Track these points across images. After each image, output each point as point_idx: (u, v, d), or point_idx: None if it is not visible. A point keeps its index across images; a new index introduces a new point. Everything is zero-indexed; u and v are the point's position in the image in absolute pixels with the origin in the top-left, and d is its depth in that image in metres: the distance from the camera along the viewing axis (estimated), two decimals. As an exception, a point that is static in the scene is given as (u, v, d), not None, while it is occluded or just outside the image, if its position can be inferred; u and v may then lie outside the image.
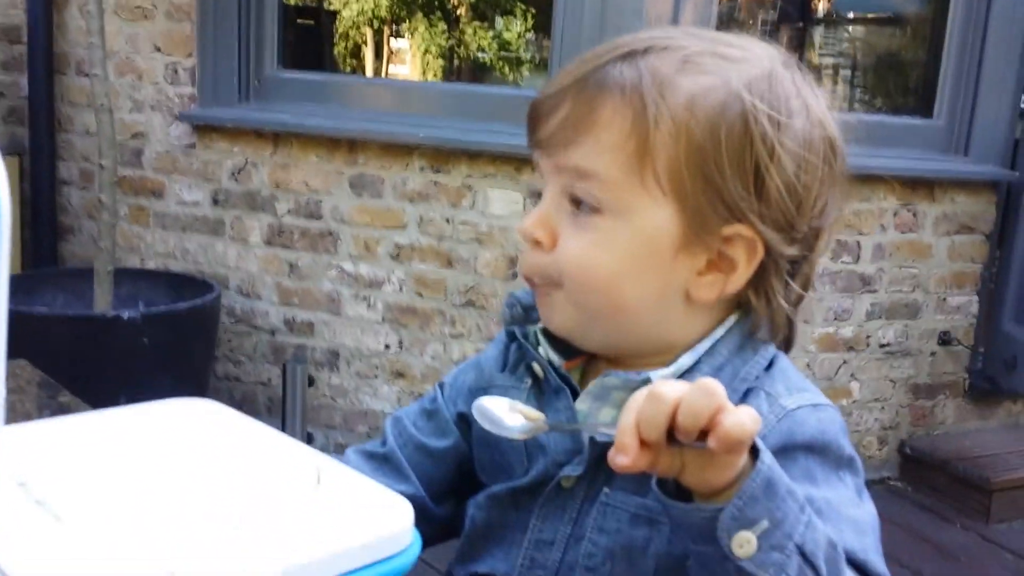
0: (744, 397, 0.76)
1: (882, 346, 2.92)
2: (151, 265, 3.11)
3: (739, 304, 0.80)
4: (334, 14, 4.51)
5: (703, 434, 0.58)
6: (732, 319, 0.80)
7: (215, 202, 3.02)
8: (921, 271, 2.91)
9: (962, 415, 3.07)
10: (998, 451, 2.93)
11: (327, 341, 2.96)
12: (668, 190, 0.74)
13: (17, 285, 2.79)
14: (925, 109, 3.06)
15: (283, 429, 2.63)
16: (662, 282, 0.77)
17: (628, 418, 0.61)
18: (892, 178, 2.73)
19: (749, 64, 0.76)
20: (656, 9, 2.62)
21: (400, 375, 2.90)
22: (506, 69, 5.02)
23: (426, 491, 0.91)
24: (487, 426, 0.75)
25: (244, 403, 3.07)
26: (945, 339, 2.96)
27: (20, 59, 3.23)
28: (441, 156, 2.78)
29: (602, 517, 0.78)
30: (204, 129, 2.99)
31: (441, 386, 0.97)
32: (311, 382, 2.75)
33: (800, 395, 0.76)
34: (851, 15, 3.46)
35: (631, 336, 0.79)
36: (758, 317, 0.79)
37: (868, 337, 2.90)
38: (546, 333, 0.84)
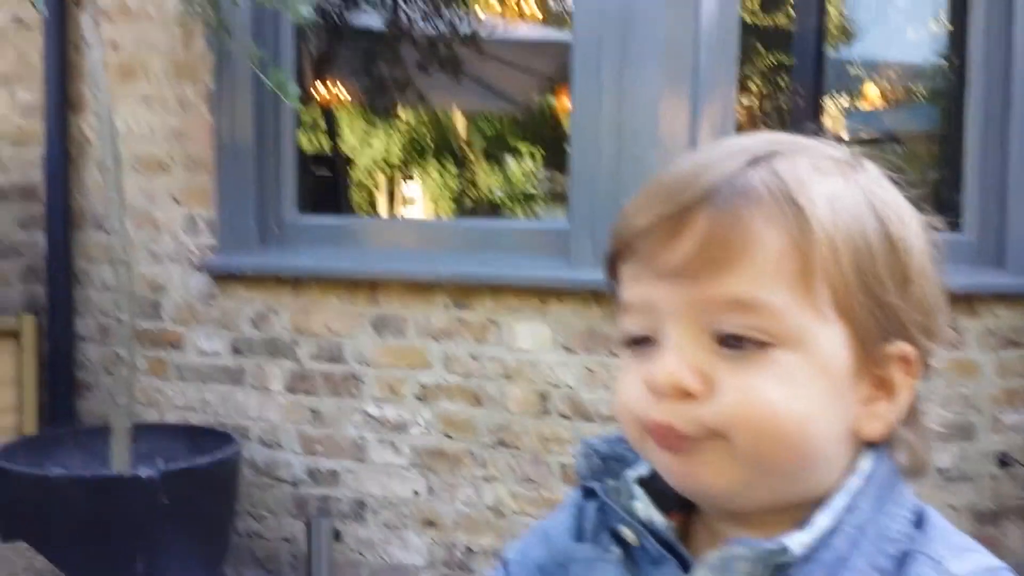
0: (900, 564, 0.63)
1: (940, 471, 2.77)
2: (170, 419, 3.01)
3: (868, 443, 0.67)
4: (349, 160, 4.61)
5: None
6: (868, 462, 0.67)
7: (235, 351, 2.95)
8: (971, 390, 2.80)
9: (1031, 541, 2.88)
10: (1076, 579, 2.72)
11: (352, 490, 2.82)
12: (837, 309, 0.63)
13: (33, 446, 2.71)
14: (950, 225, 3.01)
15: (309, 588, 2.47)
16: (842, 419, 0.65)
17: None
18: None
19: (854, 168, 0.67)
20: (672, 135, 2.62)
21: (430, 523, 2.74)
22: (517, 207, 5.09)
23: None
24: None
25: (268, 561, 2.90)
26: (1004, 460, 2.81)
27: (38, 217, 3.24)
28: (464, 292, 2.72)
29: None
30: (224, 278, 2.96)
31: (505, 565, 0.81)
32: (337, 536, 2.59)
33: (969, 557, 0.63)
34: (864, 136, 3.49)
35: (799, 490, 0.65)
36: (907, 454, 0.67)
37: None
38: (644, 485, 0.70)
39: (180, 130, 3.02)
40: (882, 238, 0.63)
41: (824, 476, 0.65)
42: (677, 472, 0.66)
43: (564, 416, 2.66)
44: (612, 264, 0.69)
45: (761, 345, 0.61)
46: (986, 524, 2.82)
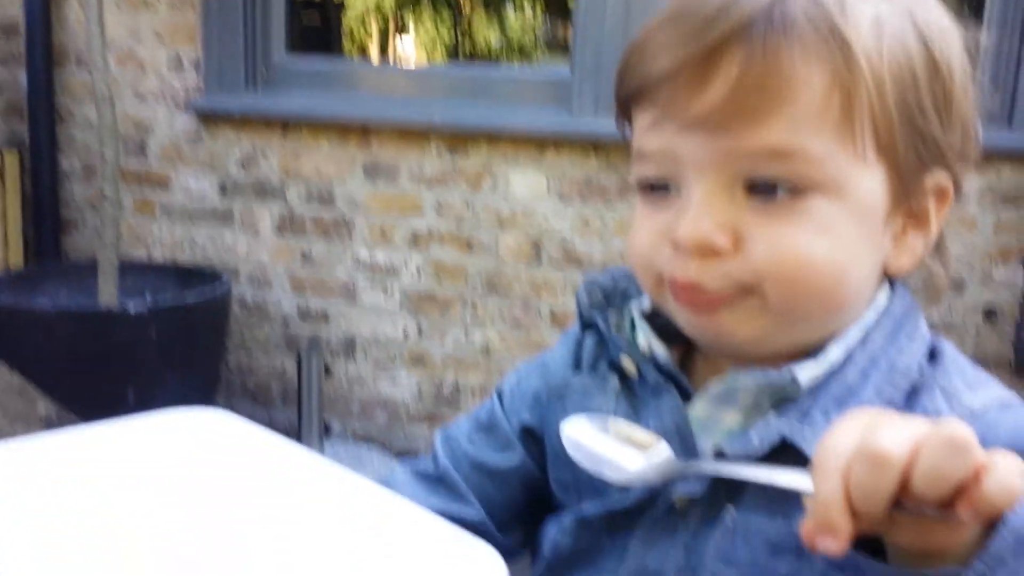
0: (911, 397, 0.61)
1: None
2: (158, 257, 2.99)
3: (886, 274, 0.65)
4: (340, 6, 4.41)
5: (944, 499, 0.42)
6: (883, 295, 0.64)
7: (223, 192, 2.91)
8: (966, 245, 2.78)
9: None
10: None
11: (343, 330, 2.83)
12: (881, 149, 0.58)
13: (19, 281, 2.70)
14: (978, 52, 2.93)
15: (299, 419, 2.51)
16: (875, 258, 0.62)
17: (832, 485, 0.44)
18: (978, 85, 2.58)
19: None
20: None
21: (419, 362, 2.77)
22: (517, 54, 4.90)
23: (489, 517, 0.76)
24: (590, 468, 0.60)
25: (258, 394, 2.95)
26: (990, 314, 2.83)
27: (18, 53, 3.12)
28: (459, 139, 2.66)
29: (729, 545, 0.61)
30: (210, 119, 2.88)
31: (500, 395, 0.81)
32: (327, 371, 2.62)
33: (985, 391, 0.61)
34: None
35: (825, 332, 0.62)
36: (928, 278, 0.66)
37: (910, 316, 2.77)
38: (646, 318, 0.68)
39: (162, -40, 2.88)
40: (926, 63, 0.59)
41: (851, 316, 0.63)
42: (700, 326, 0.63)
43: (556, 265, 2.65)
44: (624, 106, 0.63)
45: (796, 192, 0.57)
46: (968, 379, 2.87)
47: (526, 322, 2.69)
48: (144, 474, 0.50)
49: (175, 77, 2.92)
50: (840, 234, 0.58)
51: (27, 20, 3.03)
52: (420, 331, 2.77)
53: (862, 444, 0.43)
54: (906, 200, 0.61)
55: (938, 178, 0.61)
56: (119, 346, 2.38)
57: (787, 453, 0.59)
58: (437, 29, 4.70)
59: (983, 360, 2.87)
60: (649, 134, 0.61)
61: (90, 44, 2.49)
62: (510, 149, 2.63)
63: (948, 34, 0.61)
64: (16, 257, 3.05)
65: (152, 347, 2.40)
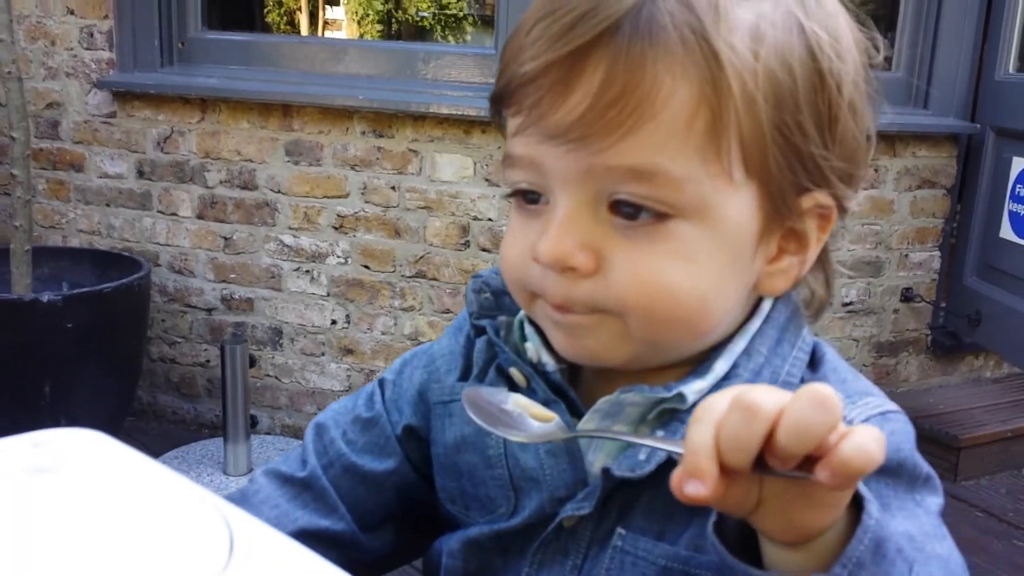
0: None
1: (844, 305, 2.85)
2: (74, 243, 2.89)
3: None
4: (263, -25, 4.30)
5: (805, 461, 0.43)
6: (767, 305, 0.64)
7: (140, 174, 2.81)
8: (883, 228, 2.85)
9: (925, 372, 3.03)
10: (963, 407, 2.89)
11: (268, 318, 2.78)
12: (750, 169, 0.55)
13: (-76, 268, 2.59)
14: (883, 62, 2.98)
15: (224, 412, 2.47)
16: (744, 283, 0.60)
17: (704, 433, 0.44)
18: (880, 92, 2.62)
19: None
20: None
21: (349, 351, 2.75)
22: (446, 31, 4.84)
23: (358, 522, 0.74)
24: (487, 426, 0.58)
25: (182, 385, 2.89)
26: (908, 296, 2.91)
27: (-81, 24, 2.96)
28: (384, 120, 2.61)
29: (618, 568, 0.62)
30: (125, 96, 2.78)
31: (382, 384, 0.78)
32: (252, 362, 2.58)
33: (864, 401, 0.61)
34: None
35: (694, 351, 0.62)
36: (808, 297, 0.65)
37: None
38: (534, 325, 0.66)
39: (69, -71, 2.75)
40: (810, 77, 0.55)
41: (721, 334, 0.62)
42: (567, 345, 0.62)
43: (485, 249, 2.63)
44: (496, 106, 0.60)
45: (659, 216, 0.55)
46: (884, 355, 2.95)
47: (456, 308, 2.67)
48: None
49: (87, 52, 2.81)
50: (704, 261, 0.56)
51: (-74, -9, 2.87)
52: (348, 319, 2.73)
53: (735, 397, 0.44)
54: (782, 220, 0.58)
55: (818, 198, 0.58)
56: (34, 337, 2.30)
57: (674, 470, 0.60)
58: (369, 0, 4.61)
59: (901, 341, 2.96)
60: (517, 139, 0.58)
61: (-5, 18, 2.37)
62: (436, 130, 2.59)
63: (841, 42, 0.57)
64: (-79, 243, 2.93)
65: (69, 338, 2.32)
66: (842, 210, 0.60)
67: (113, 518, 0.49)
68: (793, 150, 0.56)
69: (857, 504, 0.47)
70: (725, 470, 0.44)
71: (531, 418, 0.60)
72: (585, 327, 0.59)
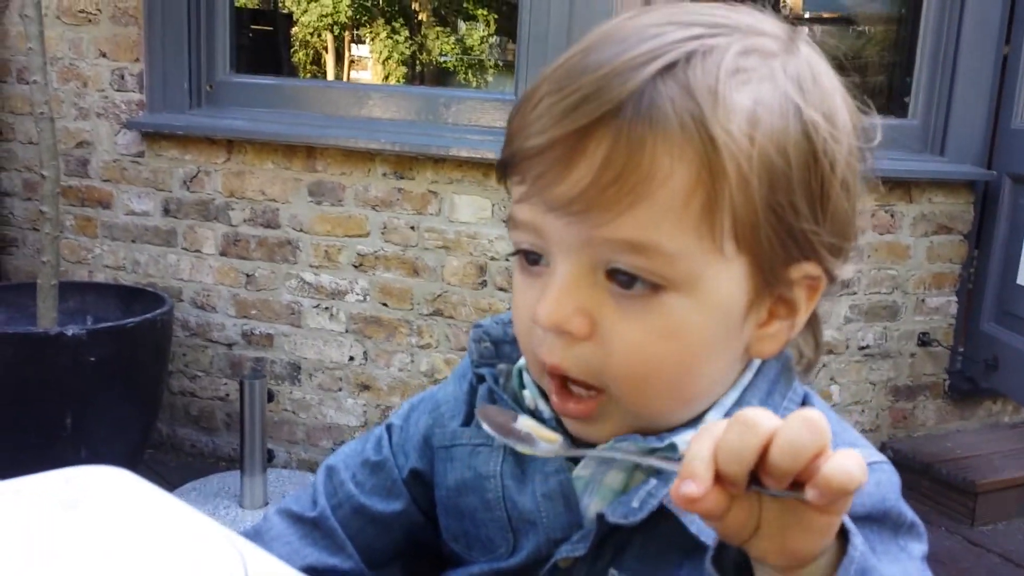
0: None
1: (861, 348, 2.85)
2: (100, 278, 2.95)
3: None
4: (290, 18, 4.38)
5: (795, 484, 0.46)
6: (757, 360, 0.66)
7: (166, 211, 2.88)
8: (900, 273, 2.85)
9: (943, 416, 3.01)
10: (980, 452, 2.87)
11: (287, 354, 2.82)
12: (741, 245, 0.58)
13: (-45, 302, 2.65)
14: (899, 109, 3.01)
15: (242, 446, 2.50)
16: (734, 349, 0.62)
17: (703, 445, 0.47)
18: (873, 173, 2.65)
19: (787, 55, 0.60)
20: (626, 4, 2.54)
21: (365, 388, 2.78)
22: (469, 74, 4.94)
23: (365, 561, 0.77)
24: (500, 438, 0.62)
25: (201, 419, 2.93)
26: (925, 340, 2.90)
27: (-42, 66, 3.06)
28: (404, 162, 2.67)
29: None
30: (153, 136, 2.85)
31: (389, 429, 0.80)
32: (271, 397, 2.61)
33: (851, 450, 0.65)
34: (823, 14, 3.41)
35: (686, 415, 0.64)
36: (798, 357, 0.67)
37: (847, 340, 2.83)
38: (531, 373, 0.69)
39: (105, -24, 2.84)
40: (804, 154, 0.58)
41: (710, 400, 0.64)
42: (569, 422, 0.65)
43: (501, 288, 2.66)
44: (502, 169, 0.63)
45: (653, 287, 0.58)
46: (901, 399, 2.94)
47: (471, 346, 2.70)
48: (32, 544, 0.51)
49: (118, 93, 2.89)
50: (693, 332, 0.59)
51: (-34, 33, 2.97)
52: (366, 355, 2.77)
53: (735, 415, 0.48)
54: (772, 288, 0.61)
55: (807, 269, 0.61)
56: (57, 370, 2.34)
57: (666, 518, 0.62)
58: (394, 42, 4.70)
59: (918, 386, 2.95)
60: (521, 205, 0.61)
61: (30, 59, 2.45)
62: (456, 172, 2.64)
63: (836, 122, 0.60)
64: (-48, 277, 3.00)
65: (91, 371, 2.37)
66: (831, 279, 0.62)
67: (135, 551, 0.52)
68: (785, 227, 0.58)
69: (845, 539, 0.50)
70: (721, 481, 0.47)
71: (539, 438, 0.63)
72: (586, 417, 0.63)
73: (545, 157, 0.57)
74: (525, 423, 0.64)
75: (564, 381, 0.62)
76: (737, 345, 0.62)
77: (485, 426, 0.63)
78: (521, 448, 0.62)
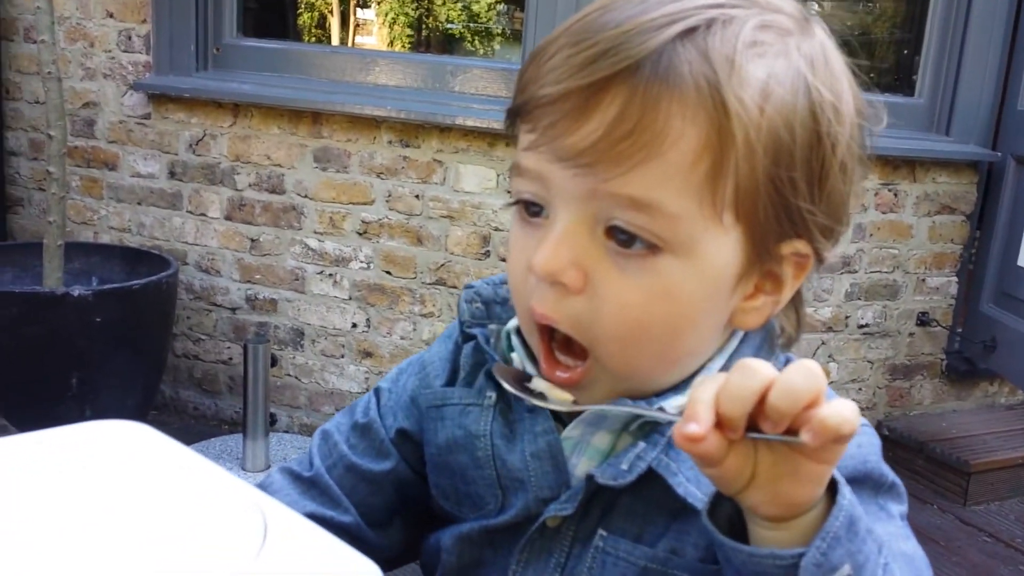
0: None
1: (860, 327, 2.87)
2: (105, 239, 2.97)
3: None
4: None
5: (789, 432, 0.48)
6: (741, 331, 0.68)
7: (172, 174, 2.89)
8: (901, 252, 2.86)
9: (939, 396, 3.04)
10: (975, 433, 2.90)
11: (291, 319, 2.84)
12: (740, 215, 0.59)
13: (-39, 260, 2.67)
14: (907, 87, 3.00)
15: (245, 409, 2.53)
16: (719, 317, 0.64)
17: (706, 389, 0.49)
18: (874, 157, 2.65)
19: (802, 34, 0.61)
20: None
21: (368, 354, 2.80)
22: (476, 41, 4.89)
23: (364, 518, 0.79)
24: (515, 391, 0.64)
25: (204, 381, 2.95)
26: (924, 320, 2.92)
27: (-36, 23, 3.05)
28: (410, 130, 2.67)
29: (599, 567, 0.66)
30: (160, 98, 2.85)
31: (377, 392, 0.82)
32: (274, 361, 2.64)
33: None
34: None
35: (670, 379, 0.66)
36: (778, 332, 0.69)
37: (847, 318, 2.85)
38: (520, 334, 0.70)
39: (113, -65, 2.82)
40: (809, 132, 0.59)
41: (694, 364, 0.66)
42: (548, 373, 0.66)
43: (504, 259, 2.68)
44: (512, 117, 0.64)
45: (651, 248, 0.58)
46: (899, 378, 2.97)
47: (473, 315, 2.71)
48: (52, 498, 0.53)
49: (124, 54, 2.88)
50: (684, 296, 0.60)
51: (-27, -9, 2.96)
52: (368, 323, 2.79)
53: (736, 363, 0.50)
54: (761, 263, 0.62)
55: (797, 246, 0.62)
56: (63, 330, 2.37)
57: (654, 481, 0.64)
58: (400, 5, 4.67)
59: (916, 365, 2.97)
60: (527, 153, 0.62)
61: (37, 19, 2.44)
62: (461, 142, 2.64)
63: (842, 104, 0.61)
64: (-42, 235, 3.01)
65: (97, 332, 2.39)
66: (819, 259, 0.64)
67: (156, 505, 0.54)
68: (783, 202, 0.59)
69: (833, 492, 0.53)
70: (723, 425, 0.49)
71: (551, 396, 0.65)
72: (572, 384, 0.64)
73: (558, 107, 0.58)
74: (539, 382, 0.65)
75: (551, 345, 0.64)
76: (723, 314, 0.64)
77: (502, 382, 0.65)
78: (536, 402, 0.64)
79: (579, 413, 0.67)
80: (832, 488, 0.53)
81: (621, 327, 0.60)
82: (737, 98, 0.56)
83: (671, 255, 0.58)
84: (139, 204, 2.93)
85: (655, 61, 0.55)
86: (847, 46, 0.65)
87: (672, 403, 0.64)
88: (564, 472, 0.68)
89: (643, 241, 0.58)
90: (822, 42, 0.62)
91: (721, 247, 0.59)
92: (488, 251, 2.68)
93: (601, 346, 0.62)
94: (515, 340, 0.71)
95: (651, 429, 0.66)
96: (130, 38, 2.87)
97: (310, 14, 4.59)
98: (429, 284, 2.72)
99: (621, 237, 0.59)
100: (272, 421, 2.66)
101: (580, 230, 0.60)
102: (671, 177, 0.56)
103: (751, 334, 0.68)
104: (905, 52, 3.21)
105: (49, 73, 2.44)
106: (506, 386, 0.65)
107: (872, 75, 3.39)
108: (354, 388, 2.83)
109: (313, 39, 4.69)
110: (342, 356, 2.82)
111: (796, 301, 0.69)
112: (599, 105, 0.56)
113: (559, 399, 0.64)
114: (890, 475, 0.66)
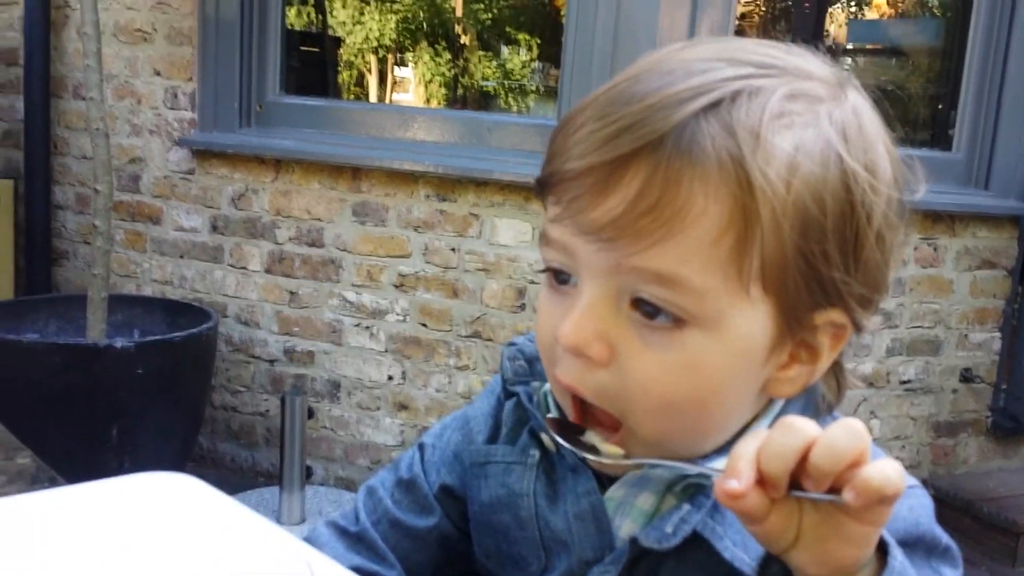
0: None
1: (903, 383, 2.83)
2: (147, 292, 3.02)
3: None
4: (338, 41, 4.48)
5: (833, 491, 0.48)
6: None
7: (214, 228, 2.94)
8: (942, 307, 2.83)
9: (984, 454, 2.97)
10: (1023, 492, 2.82)
11: (328, 372, 2.86)
12: (768, 288, 0.58)
13: (8, 311, 2.72)
14: (944, 142, 2.99)
15: (281, 461, 2.53)
16: (749, 390, 0.63)
17: (747, 445, 0.49)
18: (913, 212, 2.63)
19: (834, 101, 0.59)
20: (671, 33, 2.56)
21: (403, 407, 2.80)
22: (510, 99, 5.00)
23: (408, 573, 0.79)
24: (567, 445, 0.64)
25: (241, 434, 2.97)
26: (967, 376, 2.87)
27: (16, 81, 3.16)
28: (447, 184, 2.70)
29: None
30: (203, 154, 2.92)
31: (421, 447, 0.82)
32: (311, 414, 2.65)
33: None
34: (867, 46, 3.40)
35: (704, 447, 0.65)
36: (823, 396, 0.68)
37: (888, 374, 2.81)
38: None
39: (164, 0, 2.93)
40: (841, 203, 0.57)
41: (728, 434, 0.65)
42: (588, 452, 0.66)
43: (540, 311, 2.67)
44: (540, 186, 0.64)
45: (676, 321, 0.58)
46: (943, 435, 2.91)
47: (509, 368, 2.71)
48: (105, 548, 0.54)
49: (170, 111, 2.96)
50: (711, 370, 0.59)
51: (26, 49, 3.07)
52: (404, 375, 2.79)
53: (779, 421, 0.50)
54: (795, 332, 0.61)
55: (832, 316, 0.61)
56: (104, 381, 2.39)
57: (699, 544, 0.63)
58: (436, 64, 4.78)
59: (960, 422, 2.91)
60: (554, 224, 0.62)
61: (87, 76, 2.52)
62: (497, 196, 2.67)
63: (877, 173, 0.59)
64: (6, 288, 3.08)
65: (138, 383, 2.42)
66: (857, 329, 0.62)
67: (206, 557, 0.54)
68: (814, 274, 0.58)
69: (884, 555, 0.52)
70: (763, 484, 0.48)
71: (603, 449, 0.64)
72: (598, 429, 0.64)
73: (581, 182, 0.58)
74: (591, 435, 0.65)
75: (583, 407, 0.64)
76: (754, 385, 0.63)
77: (553, 435, 0.64)
78: (587, 455, 0.63)
79: (622, 474, 0.66)
80: (883, 550, 0.51)
81: (648, 401, 0.60)
82: (762, 173, 0.55)
83: (697, 328, 0.58)
84: (181, 257, 2.98)
85: (677, 136, 0.55)
86: (882, 103, 0.64)
87: (718, 465, 0.62)
88: (608, 534, 0.67)
89: (668, 314, 0.58)
90: (855, 107, 0.60)
91: (749, 320, 0.58)
92: (523, 304, 2.68)
93: (631, 416, 0.61)
94: (551, 401, 0.70)
95: (696, 491, 0.65)
96: (176, 95, 2.95)
97: (350, 72, 4.71)
98: (465, 337, 2.73)
99: (646, 309, 0.58)
100: (308, 474, 2.66)
101: (605, 303, 0.60)
102: (694, 252, 0.56)
103: (790, 406, 0.67)
104: (940, 107, 3.21)
105: (97, 129, 2.51)
106: (558, 439, 0.65)
107: (908, 130, 3.39)
108: (389, 441, 2.82)
109: (352, 96, 4.79)
110: (378, 408, 2.82)
111: (836, 368, 0.67)
112: (621, 181, 0.56)
113: (611, 452, 0.64)
114: (944, 538, 0.64)
